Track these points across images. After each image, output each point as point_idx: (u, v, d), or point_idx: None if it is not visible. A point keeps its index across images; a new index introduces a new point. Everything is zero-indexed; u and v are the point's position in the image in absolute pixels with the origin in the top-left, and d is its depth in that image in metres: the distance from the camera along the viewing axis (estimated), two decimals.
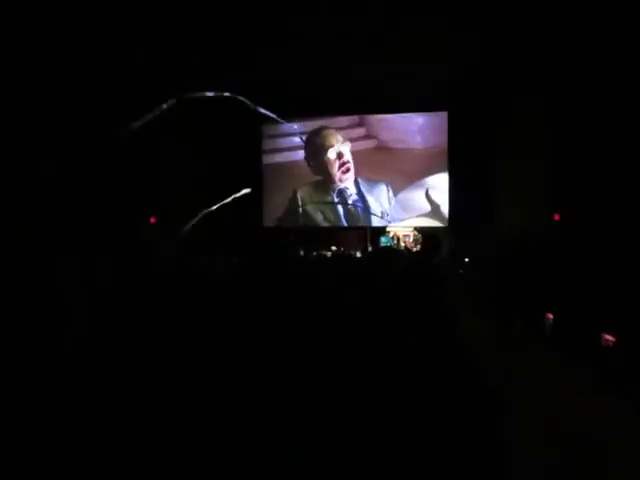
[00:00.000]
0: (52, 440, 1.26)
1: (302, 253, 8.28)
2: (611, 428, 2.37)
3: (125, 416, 1.33)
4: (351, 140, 10.46)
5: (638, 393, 2.66)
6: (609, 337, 3.39)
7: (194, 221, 6.68)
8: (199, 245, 6.37)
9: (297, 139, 10.65)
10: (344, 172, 10.39)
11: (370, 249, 9.63)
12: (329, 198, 10.43)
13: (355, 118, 10.52)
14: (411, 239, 9.35)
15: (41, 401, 1.38)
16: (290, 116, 10.56)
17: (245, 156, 10.44)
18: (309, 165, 10.58)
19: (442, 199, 10.06)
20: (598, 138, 6.36)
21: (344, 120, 10.54)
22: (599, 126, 6.36)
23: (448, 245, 8.15)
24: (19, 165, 4.82)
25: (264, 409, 1.35)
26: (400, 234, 9.53)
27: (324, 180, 10.49)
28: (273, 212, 10.74)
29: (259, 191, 10.45)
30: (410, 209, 10.19)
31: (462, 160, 9.65)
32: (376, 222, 10.22)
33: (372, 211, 10.25)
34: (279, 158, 10.81)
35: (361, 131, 10.53)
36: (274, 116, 8.14)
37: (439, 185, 10.12)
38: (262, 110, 7.02)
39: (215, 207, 7.51)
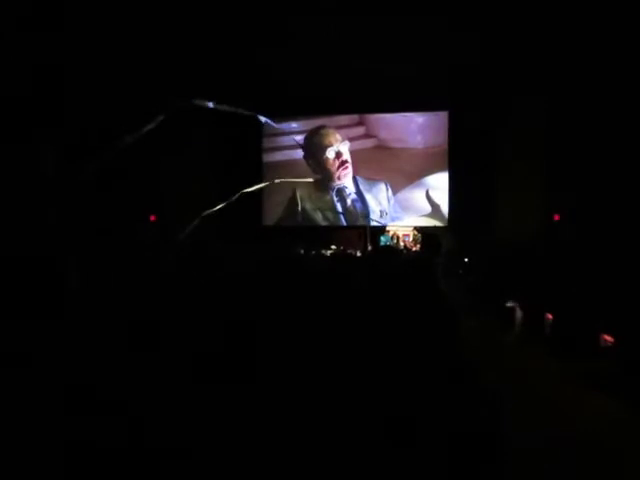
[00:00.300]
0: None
1: (302, 252, 8.28)
2: (609, 428, 2.38)
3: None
4: (351, 139, 10.44)
5: (636, 393, 2.67)
6: (608, 338, 3.40)
7: (195, 222, 6.67)
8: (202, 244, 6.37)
9: (297, 137, 10.65)
10: (343, 171, 10.38)
11: (370, 248, 9.63)
12: (328, 197, 10.42)
13: (355, 117, 10.51)
14: (411, 239, 9.33)
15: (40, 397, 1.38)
16: (290, 115, 10.58)
17: (246, 154, 10.43)
18: (308, 164, 10.57)
19: (442, 199, 10.06)
20: (598, 138, 6.37)
21: (344, 119, 10.52)
22: (599, 126, 6.37)
23: (448, 245, 8.15)
24: (19, 165, 4.82)
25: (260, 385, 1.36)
26: (400, 233, 9.51)
27: (323, 179, 10.49)
28: (273, 211, 10.72)
29: (259, 190, 10.44)
30: (409, 208, 10.18)
31: (462, 160, 9.65)
32: (375, 221, 10.21)
33: (371, 210, 10.25)
34: (279, 156, 10.80)
35: (361, 130, 10.51)
36: (271, 122, 8.14)
37: (439, 185, 10.11)
38: (262, 118, 7.01)
39: (217, 207, 7.48)
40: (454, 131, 9.81)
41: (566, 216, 7.28)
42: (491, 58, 7.49)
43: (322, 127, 10.51)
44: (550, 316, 4.36)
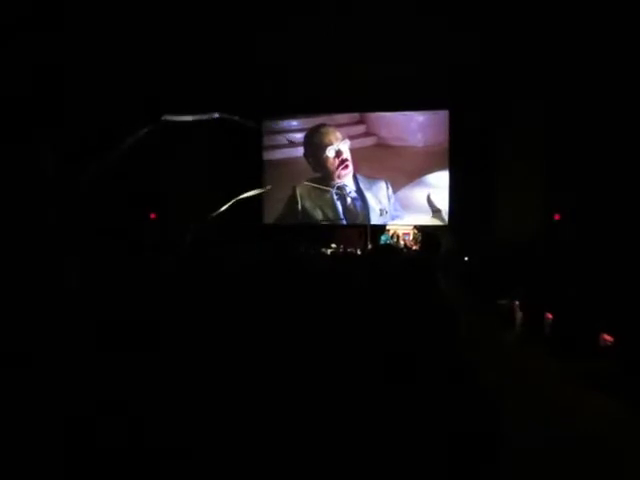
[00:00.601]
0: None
1: (302, 251, 8.28)
2: (609, 428, 2.38)
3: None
4: (351, 137, 10.42)
5: (636, 393, 2.67)
6: (607, 337, 3.40)
7: (201, 224, 6.65)
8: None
9: (297, 135, 10.64)
10: (343, 170, 10.37)
11: (369, 247, 9.62)
12: (328, 195, 10.41)
13: (355, 115, 10.49)
14: (410, 237, 9.34)
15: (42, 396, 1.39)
16: (291, 112, 10.57)
17: (246, 152, 10.42)
18: (308, 162, 10.56)
19: (443, 200, 10.05)
20: (597, 139, 6.37)
21: (344, 117, 10.50)
22: (598, 126, 6.36)
23: (447, 244, 8.15)
24: (19, 165, 4.82)
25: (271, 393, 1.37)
26: (400, 232, 9.51)
27: (323, 177, 10.48)
28: (273, 209, 10.72)
29: (259, 187, 10.44)
30: (410, 207, 10.18)
31: (462, 159, 9.65)
32: (375, 220, 10.21)
33: (371, 208, 10.24)
34: (280, 154, 10.79)
35: (361, 128, 10.49)
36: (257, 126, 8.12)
37: (439, 183, 10.11)
38: (247, 122, 6.99)
39: (223, 209, 7.47)
40: (454, 130, 9.80)
41: (566, 216, 7.28)
42: (491, 58, 7.48)
43: (322, 125, 10.50)
44: (550, 316, 4.36)
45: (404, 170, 10.20)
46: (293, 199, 10.59)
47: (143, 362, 1.57)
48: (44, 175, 5.02)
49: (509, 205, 8.72)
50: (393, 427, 1.25)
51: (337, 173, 10.37)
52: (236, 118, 6.26)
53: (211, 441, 1.25)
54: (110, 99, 6.46)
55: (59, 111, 5.33)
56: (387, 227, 9.79)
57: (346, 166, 10.35)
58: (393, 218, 10.06)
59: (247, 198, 8.55)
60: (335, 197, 10.39)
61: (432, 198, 10.03)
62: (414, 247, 8.86)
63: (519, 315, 4.96)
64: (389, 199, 10.21)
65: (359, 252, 8.94)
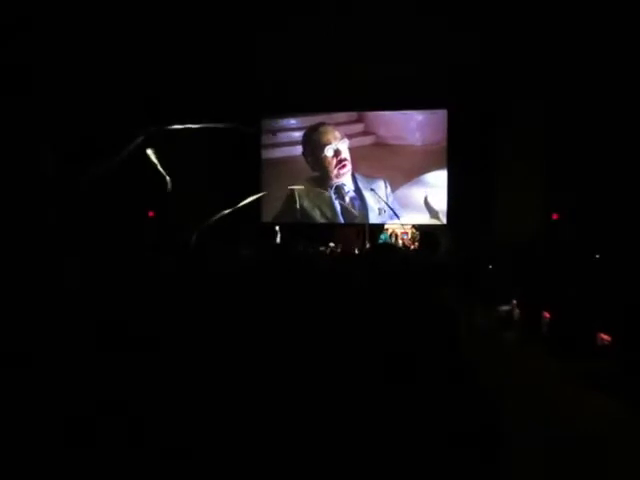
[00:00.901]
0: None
1: (300, 250, 8.28)
2: (608, 427, 2.39)
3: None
4: (350, 136, 10.42)
5: (633, 392, 2.68)
6: (605, 336, 3.42)
7: (204, 226, 6.63)
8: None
9: (296, 134, 10.63)
10: (341, 169, 10.37)
11: (368, 246, 9.63)
12: (327, 195, 10.41)
13: (354, 114, 10.49)
14: (409, 237, 9.35)
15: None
16: (289, 111, 10.56)
17: (244, 150, 10.41)
18: (307, 161, 10.56)
19: (441, 200, 10.06)
20: (598, 139, 6.39)
21: (342, 116, 10.50)
22: (598, 126, 6.38)
23: (446, 244, 8.16)
24: (19, 164, 4.81)
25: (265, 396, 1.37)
26: (398, 232, 9.52)
27: (322, 176, 10.47)
28: (271, 208, 10.71)
29: (257, 186, 10.43)
30: (408, 206, 10.19)
31: (461, 159, 9.66)
32: (373, 219, 10.21)
33: (370, 208, 10.25)
34: (278, 153, 10.78)
35: (360, 127, 10.49)
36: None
37: (438, 182, 10.12)
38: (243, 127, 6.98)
39: (227, 211, 7.45)
40: (453, 130, 9.82)
41: (565, 216, 7.31)
42: (491, 58, 7.49)
43: (321, 124, 10.49)
44: (547, 315, 4.37)
45: (402, 169, 10.21)
46: (292, 198, 10.58)
47: (143, 362, 1.57)
48: (44, 175, 5.02)
49: (509, 205, 8.74)
50: (393, 427, 1.26)
51: (335, 172, 10.37)
52: (234, 125, 6.22)
53: (211, 441, 1.26)
54: (110, 98, 6.44)
55: (59, 111, 5.32)
56: (386, 226, 9.79)
57: (344, 165, 10.35)
58: (392, 217, 10.07)
59: (246, 195, 8.54)
60: (333, 196, 10.40)
61: (429, 200, 10.04)
62: (412, 246, 8.87)
63: (516, 313, 4.97)
64: (387, 198, 10.22)
65: (357, 251, 8.94)
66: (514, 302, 5.06)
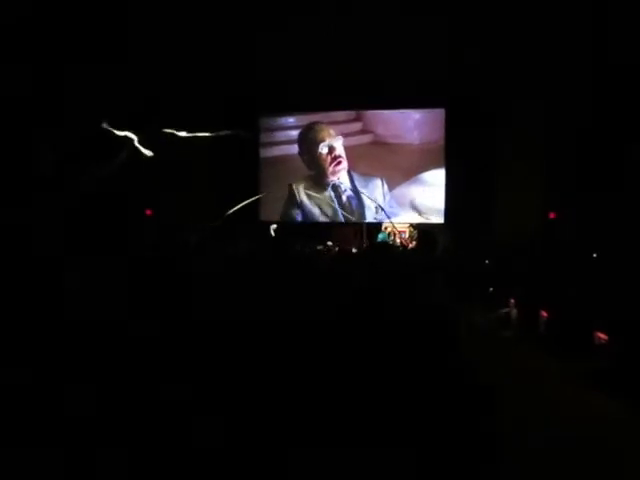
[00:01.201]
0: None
1: (298, 249, 8.27)
2: (609, 427, 2.41)
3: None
4: (348, 135, 10.42)
5: (630, 390, 2.70)
6: (602, 335, 3.43)
7: (204, 225, 6.63)
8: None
9: (293, 132, 10.63)
10: (336, 166, 10.37)
11: (365, 245, 9.62)
12: (326, 193, 10.41)
13: (352, 113, 10.49)
14: (407, 235, 9.35)
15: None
16: (288, 110, 10.54)
17: (243, 149, 10.39)
18: (303, 160, 10.56)
19: (435, 198, 10.08)
20: (597, 139, 6.40)
21: (341, 114, 10.50)
22: (598, 126, 6.39)
23: (444, 242, 8.17)
24: (19, 164, 4.79)
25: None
26: (397, 230, 9.52)
27: (318, 175, 10.47)
28: (269, 206, 10.70)
29: (256, 185, 10.43)
30: (406, 205, 10.21)
31: (461, 158, 9.67)
32: (370, 217, 10.23)
33: (366, 206, 10.26)
34: (276, 151, 10.77)
35: (357, 126, 10.49)
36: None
37: (435, 181, 10.14)
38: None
39: (231, 211, 7.45)
40: (452, 129, 9.82)
41: (564, 215, 7.33)
42: (491, 58, 7.49)
43: (315, 123, 10.49)
44: (545, 314, 4.39)
45: (400, 168, 10.22)
46: (290, 197, 10.58)
47: (143, 362, 1.57)
48: (44, 175, 5.00)
49: (508, 205, 8.76)
50: (392, 427, 1.27)
51: (331, 170, 10.36)
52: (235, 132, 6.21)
53: (210, 441, 1.27)
54: (110, 97, 6.42)
55: (59, 111, 5.30)
56: (384, 225, 9.79)
57: (339, 162, 10.34)
58: (392, 215, 10.07)
59: (245, 194, 8.54)
60: (332, 195, 10.39)
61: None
62: (410, 245, 8.87)
63: (514, 313, 4.99)
64: (384, 196, 10.23)
65: (354, 250, 8.93)
66: (512, 301, 5.08)
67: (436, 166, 10.12)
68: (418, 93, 9.28)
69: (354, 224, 10.24)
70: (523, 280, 5.12)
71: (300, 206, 10.51)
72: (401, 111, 10.18)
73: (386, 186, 10.26)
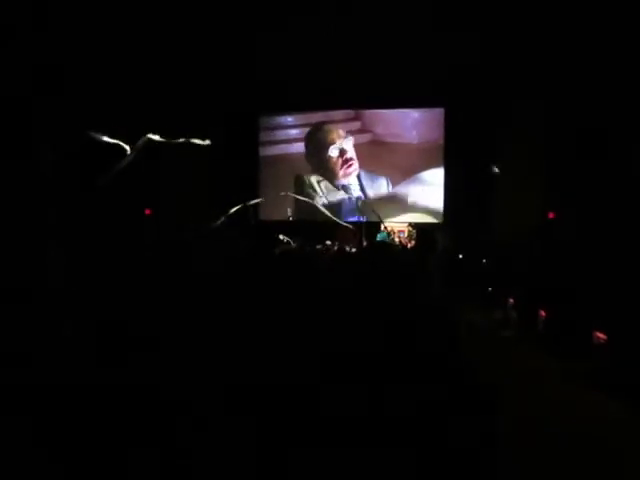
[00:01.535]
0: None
1: (297, 247, 8.26)
2: (609, 427, 2.41)
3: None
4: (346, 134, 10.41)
5: (628, 390, 2.70)
6: (601, 335, 3.44)
7: (204, 224, 6.63)
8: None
9: (293, 131, 10.60)
10: (347, 168, 10.29)
11: (364, 244, 9.62)
12: (329, 193, 10.37)
13: (351, 112, 10.47)
14: (406, 234, 9.36)
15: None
16: (287, 109, 10.53)
17: (243, 148, 10.39)
18: (309, 162, 10.48)
19: (433, 198, 10.08)
20: (597, 139, 6.40)
21: (340, 114, 10.48)
22: (598, 126, 6.39)
23: (443, 242, 8.19)
24: (18, 164, 4.78)
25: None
26: (396, 229, 9.53)
27: (326, 177, 10.37)
28: (269, 205, 10.68)
29: (256, 184, 10.43)
30: (405, 204, 10.21)
31: (460, 157, 9.67)
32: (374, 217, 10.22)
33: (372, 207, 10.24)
34: (276, 150, 10.75)
35: (356, 125, 10.48)
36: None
37: (434, 180, 10.14)
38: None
39: (233, 210, 7.44)
40: (452, 129, 9.83)
41: (563, 215, 7.33)
42: (491, 58, 7.49)
43: (323, 123, 10.41)
44: (543, 313, 4.39)
45: (400, 167, 10.21)
46: (290, 196, 10.55)
47: (143, 362, 1.57)
48: (44, 175, 4.99)
49: (508, 204, 8.77)
50: (392, 427, 1.27)
51: (342, 173, 10.26)
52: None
53: (210, 440, 1.27)
54: (109, 99, 6.42)
55: (59, 111, 5.29)
56: (383, 225, 9.79)
57: (350, 165, 10.26)
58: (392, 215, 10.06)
59: (245, 193, 8.55)
60: (337, 195, 10.34)
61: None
62: (409, 244, 8.88)
63: (513, 312, 4.99)
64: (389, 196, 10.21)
65: (353, 249, 8.93)
66: (511, 301, 5.09)
67: (435, 165, 10.12)
68: (417, 92, 9.27)
69: (353, 223, 10.23)
70: (522, 280, 5.13)
71: (300, 205, 10.38)
72: (400, 110, 10.17)
73: (391, 185, 10.24)
